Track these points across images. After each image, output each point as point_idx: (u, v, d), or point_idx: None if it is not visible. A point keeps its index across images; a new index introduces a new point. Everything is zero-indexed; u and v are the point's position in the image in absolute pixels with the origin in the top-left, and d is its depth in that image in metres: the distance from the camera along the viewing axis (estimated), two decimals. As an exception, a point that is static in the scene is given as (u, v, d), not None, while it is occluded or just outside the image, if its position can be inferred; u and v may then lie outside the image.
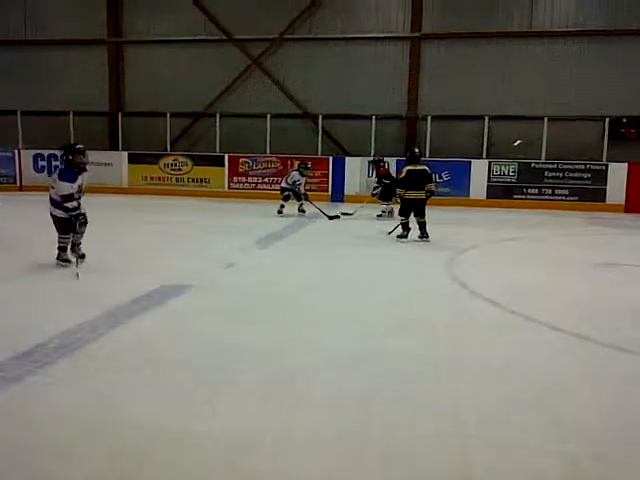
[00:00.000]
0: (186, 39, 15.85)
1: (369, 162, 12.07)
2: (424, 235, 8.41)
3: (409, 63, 14.94)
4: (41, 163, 14.89)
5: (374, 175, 12.15)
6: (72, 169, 6.20)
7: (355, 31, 15.11)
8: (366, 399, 3.26)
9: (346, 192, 13.63)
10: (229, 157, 14.72)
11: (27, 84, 16.24)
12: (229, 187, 14.74)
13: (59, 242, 6.39)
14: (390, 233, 8.69)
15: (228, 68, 15.77)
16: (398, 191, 8.61)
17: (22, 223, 9.66)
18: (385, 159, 12.42)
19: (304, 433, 2.89)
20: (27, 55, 16.51)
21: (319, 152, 14.49)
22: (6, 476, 2.50)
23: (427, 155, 13.73)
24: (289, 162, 14.21)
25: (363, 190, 13.59)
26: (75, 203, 6.22)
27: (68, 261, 6.37)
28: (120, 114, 15.57)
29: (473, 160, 13.76)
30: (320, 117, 14.67)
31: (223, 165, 14.73)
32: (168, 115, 15.04)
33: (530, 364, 3.85)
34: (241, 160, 14.66)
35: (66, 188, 6.09)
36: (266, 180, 14.52)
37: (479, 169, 13.68)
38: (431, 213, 8.74)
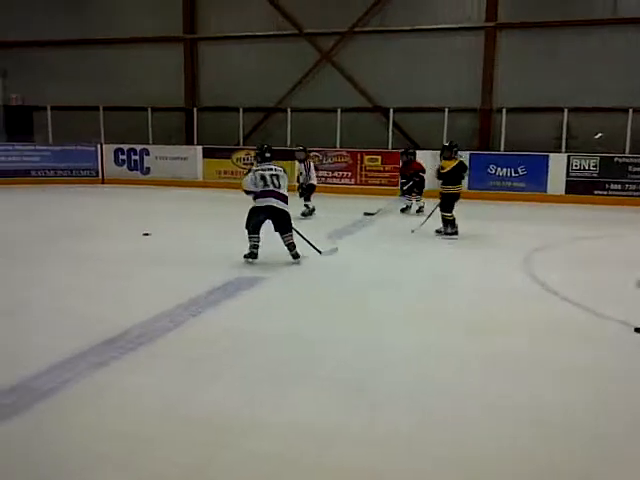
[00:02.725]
0: (258, 34, 16.07)
1: (401, 153, 11.40)
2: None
3: (484, 54, 14.51)
4: (121, 157, 15.51)
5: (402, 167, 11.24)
6: None
7: (428, 22, 14.82)
8: (446, 398, 3.21)
9: (416, 186, 13.41)
10: (299, 151, 14.81)
11: (109, 81, 16.93)
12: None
13: (292, 239, 6.45)
14: (416, 229, 8.39)
15: (299, 63, 15.87)
16: (457, 188, 8.24)
17: (104, 214, 10.11)
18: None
19: (380, 431, 2.87)
20: (109, 53, 17.23)
21: (389, 146, 14.35)
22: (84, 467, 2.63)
23: (502, 148, 13.32)
24: (359, 156, 14.17)
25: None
26: None
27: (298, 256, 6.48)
28: (195, 109, 15.99)
29: (551, 154, 13.22)
30: (391, 110, 14.51)
31: (293, 159, 14.83)
32: (241, 110, 15.29)
33: (613, 367, 3.68)
34: (311, 154, 14.73)
35: None
36: (336, 174, 14.53)
37: (557, 163, 13.10)
38: (506, 209, 8.48)
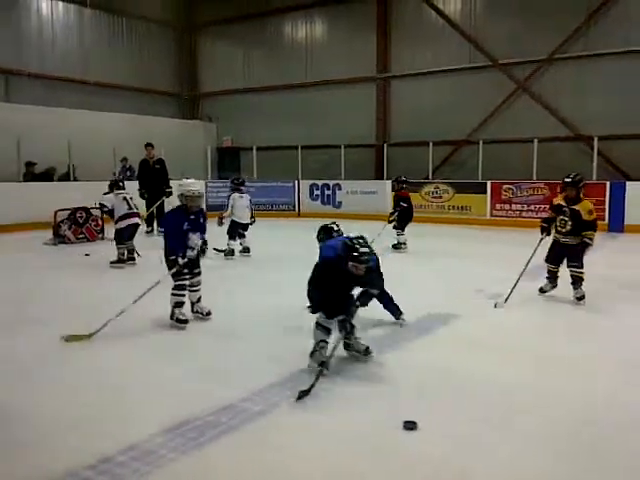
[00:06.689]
0: (450, 68, 16.05)
1: (392, 181, 10.47)
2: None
3: None
4: (315, 192, 16.41)
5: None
6: None
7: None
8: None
9: (627, 221, 12.12)
10: (491, 184, 14.33)
11: (306, 122, 18.13)
12: (491, 214, 14.33)
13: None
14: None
15: (492, 94, 15.48)
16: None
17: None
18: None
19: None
20: (306, 96, 18.49)
21: (594, 177, 13.20)
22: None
23: None
24: (558, 188, 13.22)
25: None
26: None
27: None
28: (385, 145, 16.37)
29: None
30: (595, 139, 13.40)
31: (485, 192, 14.40)
32: (430, 144, 15.28)
33: None
34: (504, 187, 14.16)
35: None
36: (531, 207, 13.77)
37: None
38: None
